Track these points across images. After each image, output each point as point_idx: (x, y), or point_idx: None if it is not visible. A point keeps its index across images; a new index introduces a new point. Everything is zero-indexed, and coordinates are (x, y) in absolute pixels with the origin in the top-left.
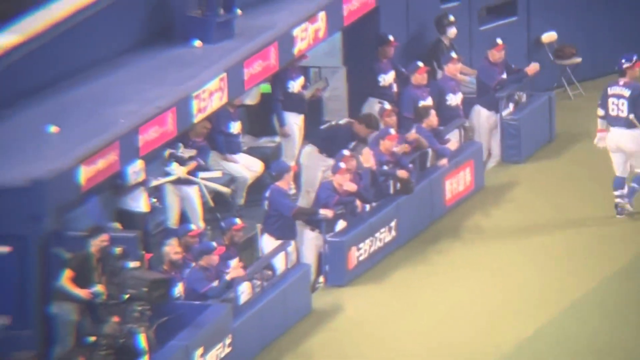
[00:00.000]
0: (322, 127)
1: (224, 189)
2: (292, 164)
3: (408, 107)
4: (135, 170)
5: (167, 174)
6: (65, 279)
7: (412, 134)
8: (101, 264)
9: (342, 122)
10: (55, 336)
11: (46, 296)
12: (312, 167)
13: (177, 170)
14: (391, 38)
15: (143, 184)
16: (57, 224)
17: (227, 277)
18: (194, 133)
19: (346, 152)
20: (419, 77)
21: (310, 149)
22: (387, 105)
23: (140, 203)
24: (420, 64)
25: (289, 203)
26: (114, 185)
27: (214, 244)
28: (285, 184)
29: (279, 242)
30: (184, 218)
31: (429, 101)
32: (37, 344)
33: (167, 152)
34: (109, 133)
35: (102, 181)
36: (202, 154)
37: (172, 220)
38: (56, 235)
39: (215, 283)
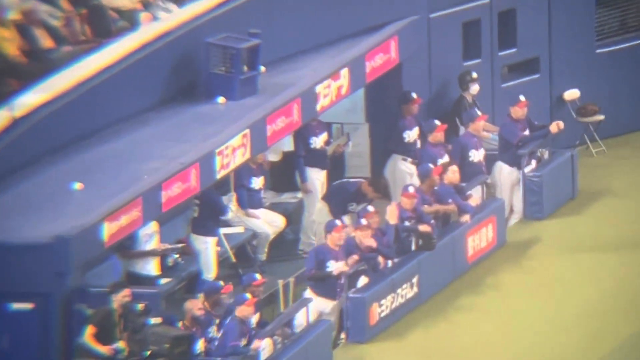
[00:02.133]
0: (335, 182)
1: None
2: (339, 224)
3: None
4: (148, 232)
5: (178, 242)
6: (88, 335)
7: (432, 208)
8: (123, 319)
9: (353, 180)
10: None
11: (69, 353)
12: (324, 224)
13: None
14: (414, 95)
15: (153, 253)
16: (80, 281)
17: (252, 347)
18: None
19: (371, 208)
20: (437, 135)
21: (321, 205)
22: (432, 165)
23: (151, 266)
24: (438, 122)
25: (311, 264)
26: (123, 249)
27: (248, 295)
28: (331, 242)
29: (320, 298)
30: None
31: (446, 159)
32: None
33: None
34: (132, 189)
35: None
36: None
37: (209, 273)
38: (79, 292)
39: (244, 341)
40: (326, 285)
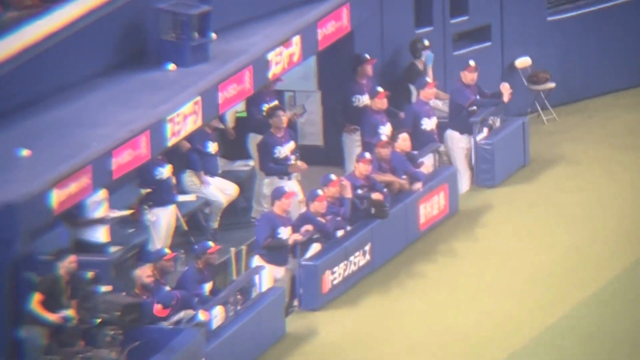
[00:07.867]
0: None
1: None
2: (287, 190)
3: (369, 132)
4: (96, 200)
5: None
6: (35, 303)
7: (385, 177)
8: (70, 286)
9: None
10: None
11: (17, 321)
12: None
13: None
14: (367, 56)
15: (101, 221)
16: (27, 248)
17: (201, 317)
18: None
19: (333, 177)
20: (379, 102)
21: (269, 179)
22: (384, 137)
23: (99, 234)
24: (380, 89)
25: (265, 233)
26: (71, 217)
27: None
28: (280, 209)
29: (270, 265)
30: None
31: (388, 126)
32: None
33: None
34: (81, 156)
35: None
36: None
37: (156, 243)
38: (26, 259)
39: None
40: (276, 252)
